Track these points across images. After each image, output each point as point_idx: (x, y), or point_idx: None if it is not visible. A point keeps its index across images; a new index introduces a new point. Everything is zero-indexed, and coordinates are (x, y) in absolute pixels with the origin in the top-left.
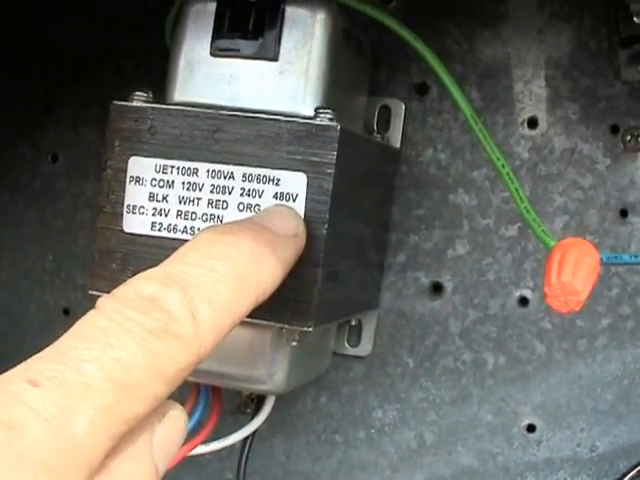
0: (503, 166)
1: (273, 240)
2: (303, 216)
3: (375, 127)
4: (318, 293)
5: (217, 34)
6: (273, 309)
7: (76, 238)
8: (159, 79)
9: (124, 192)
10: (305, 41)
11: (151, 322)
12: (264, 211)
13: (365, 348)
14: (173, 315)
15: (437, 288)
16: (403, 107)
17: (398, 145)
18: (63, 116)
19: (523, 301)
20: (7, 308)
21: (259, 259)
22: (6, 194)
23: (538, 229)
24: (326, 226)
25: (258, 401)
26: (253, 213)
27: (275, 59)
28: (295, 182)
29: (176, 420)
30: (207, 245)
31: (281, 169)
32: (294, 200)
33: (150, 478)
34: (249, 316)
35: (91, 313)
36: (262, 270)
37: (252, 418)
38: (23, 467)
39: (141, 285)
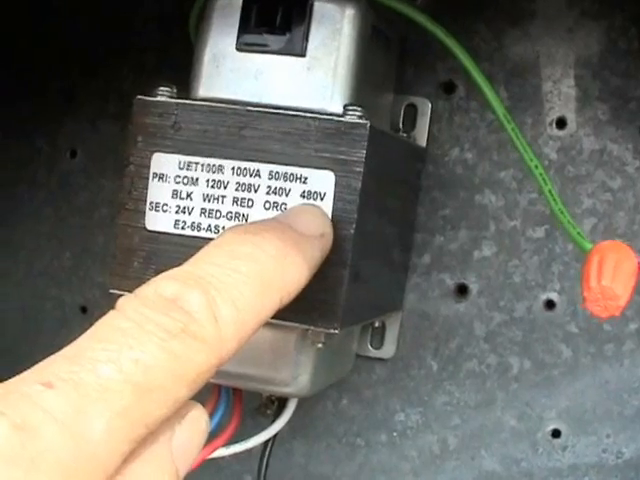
0: (536, 167)
1: (299, 240)
2: (330, 216)
3: (401, 126)
4: (345, 294)
5: (243, 29)
6: (298, 310)
7: (94, 235)
8: (180, 74)
9: (147, 189)
10: (333, 37)
11: (171, 323)
12: (290, 210)
13: (388, 350)
14: (194, 316)
15: (462, 290)
16: (429, 106)
17: (424, 144)
18: (82, 111)
19: (549, 304)
20: (23, 306)
21: (284, 260)
22: (23, 190)
23: (573, 231)
24: (354, 226)
25: (280, 403)
26: (279, 212)
27: (303, 55)
28: (323, 180)
29: (197, 421)
30: (231, 245)
31: (309, 167)
32: (322, 199)
33: None
34: (274, 317)
35: (110, 313)
36: (287, 271)
37: (273, 421)
38: (37, 471)
39: (162, 285)
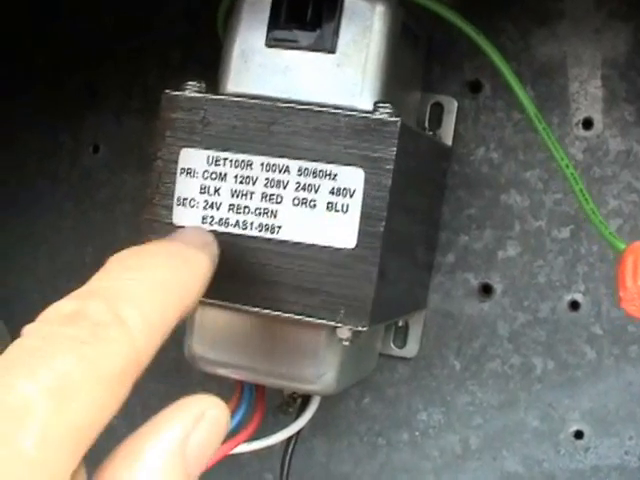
0: (567, 166)
1: (182, 248)
2: (360, 213)
3: (427, 124)
4: (374, 292)
5: (273, 24)
6: (326, 308)
7: (116, 231)
8: (205, 69)
9: (174, 184)
10: (364, 34)
11: (78, 330)
12: (173, 233)
13: (411, 349)
14: (99, 321)
15: (486, 289)
16: (455, 104)
17: (450, 143)
18: (105, 106)
19: (574, 305)
20: (45, 301)
21: (175, 263)
22: (45, 185)
23: (606, 231)
24: (383, 223)
25: (303, 401)
26: (309, 208)
27: (332, 51)
28: (352, 177)
29: (215, 421)
30: (117, 263)
31: (338, 164)
32: (351, 196)
33: None
34: (302, 314)
35: (16, 340)
36: (180, 272)
37: (296, 418)
38: None
39: (61, 305)
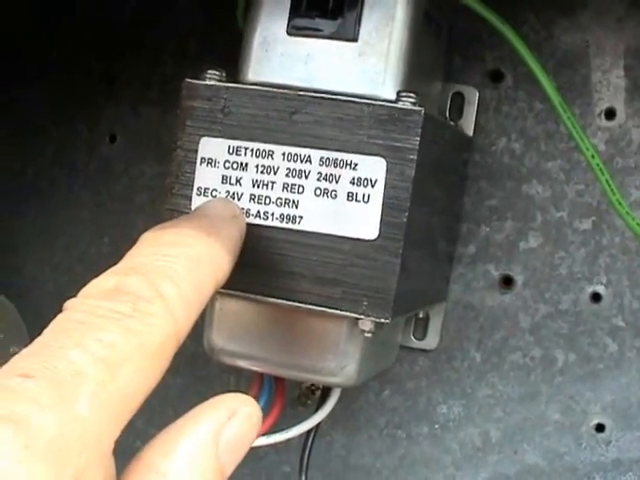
0: (593, 156)
1: (213, 222)
2: (382, 203)
3: (448, 114)
4: (397, 283)
5: (295, 12)
6: (349, 299)
7: (133, 222)
8: (223, 59)
9: (194, 174)
10: (386, 22)
11: (121, 305)
12: (197, 206)
13: (431, 341)
14: (140, 295)
15: (507, 281)
16: (477, 94)
17: (471, 133)
18: (123, 96)
19: (596, 297)
20: (61, 292)
21: (206, 239)
22: (61, 175)
23: (632, 222)
24: (406, 214)
25: (323, 393)
26: (330, 199)
27: (355, 40)
28: (374, 167)
29: (248, 418)
30: (152, 239)
31: (360, 153)
32: (372, 186)
33: (212, 474)
34: (323, 306)
35: (60, 314)
36: (211, 247)
37: (316, 410)
38: (31, 457)
39: (101, 281)
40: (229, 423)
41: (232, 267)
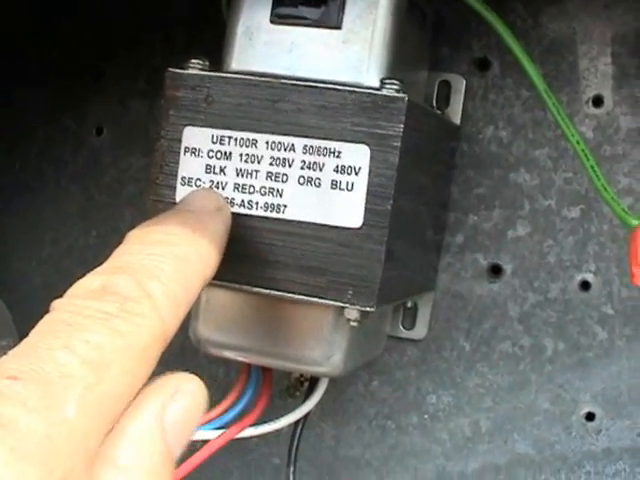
0: (578, 142)
1: (199, 217)
2: (366, 191)
3: (434, 103)
4: (382, 271)
5: (278, 1)
6: (333, 288)
7: (121, 214)
8: (210, 50)
9: (178, 164)
10: (370, 9)
11: (108, 305)
12: (182, 198)
13: (420, 331)
14: (127, 295)
15: (496, 270)
16: (464, 83)
17: (458, 122)
18: (110, 88)
19: (585, 285)
20: (49, 285)
21: (192, 236)
22: (49, 168)
23: (618, 208)
24: (391, 202)
25: (310, 383)
26: (314, 187)
27: (338, 27)
28: (357, 155)
29: (191, 395)
30: (138, 238)
31: (343, 141)
32: (356, 174)
33: (162, 460)
34: (309, 295)
35: (47, 315)
36: (198, 245)
37: (304, 401)
38: (18, 460)
39: (88, 280)
40: (172, 402)
41: (219, 261)
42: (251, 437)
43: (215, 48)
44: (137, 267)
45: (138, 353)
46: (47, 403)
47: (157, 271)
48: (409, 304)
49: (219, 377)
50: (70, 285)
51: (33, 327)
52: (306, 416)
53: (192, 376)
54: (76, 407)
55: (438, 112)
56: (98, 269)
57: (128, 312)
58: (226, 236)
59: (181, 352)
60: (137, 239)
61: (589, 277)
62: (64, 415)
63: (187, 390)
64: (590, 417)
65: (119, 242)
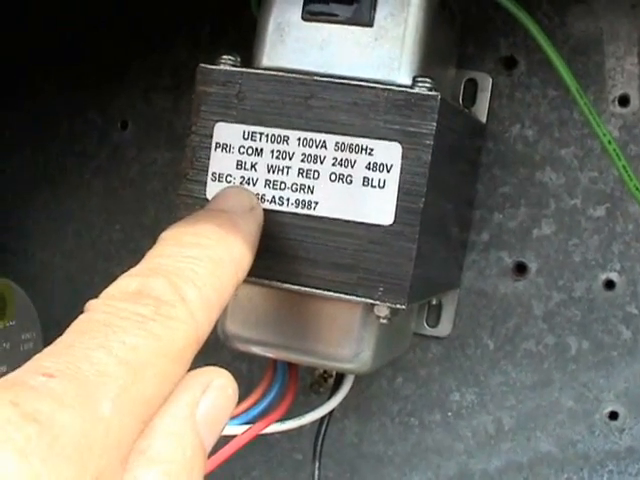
0: (609, 142)
1: (232, 217)
2: (397, 188)
3: (461, 101)
4: (413, 269)
5: None
6: (364, 285)
7: (145, 209)
8: (236, 45)
9: (209, 159)
10: (402, 7)
11: (144, 308)
12: (214, 196)
13: (444, 329)
14: (163, 299)
15: (521, 268)
16: (490, 81)
17: (484, 120)
18: (134, 82)
19: (609, 284)
20: (72, 279)
21: (226, 238)
22: (73, 162)
23: None
24: (423, 199)
25: (336, 380)
26: (345, 184)
27: (370, 25)
28: (389, 152)
29: (222, 389)
30: (173, 239)
31: (375, 138)
32: (388, 171)
33: (195, 453)
34: (339, 292)
35: (82, 315)
36: (232, 247)
37: (330, 397)
38: (55, 456)
39: (124, 282)
40: (204, 397)
41: (252, 262)
42: (276, 433)
43: (240, 43)
44: (172, 270)
45: (172, 356)
46: (83, 401)
47: (192, 274)
48: (434, 301)
49: (243, 373)
50: (95, 281)
51: (56, 320)
52: (331, 413)
53: (222, 370)
54: (112, 406)
55: (465, 110)
56: (133, 270)
57: (163, 315)
58: (258, 236)
59: (205, 347)
60: (171, 240)
61: (614, 276)
62: (100, 413)
63: (218, 384)
64: (613, 416)
65: (143, 236)
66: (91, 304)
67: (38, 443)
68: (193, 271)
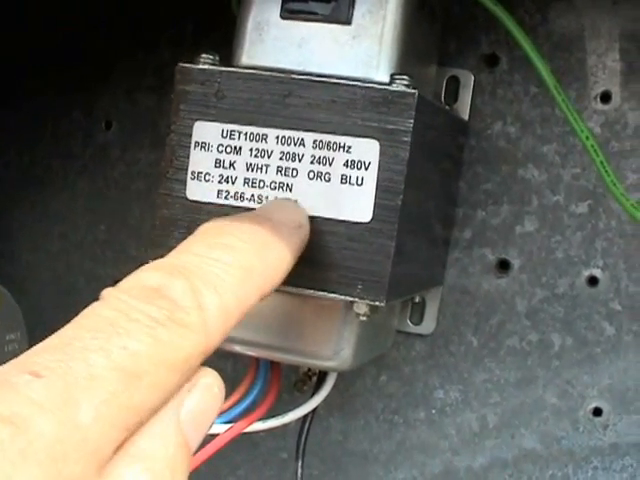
0: (587, 138)
1: (277, 229)
2: (375, 185)
3: (443, 99)
4: (391, 266)
5: None
6: (343, 282)
7: (130, 209)
8: (218, 45)
9: (188, 158)
10: (380, 5)
11: (157, 311)
12: (267, 204)
13: (428, 326)
14: (179, 304)
15: (504, 265)
16: (472, 78)
17: (466, 117)
18: (118, 83)
19: (592, 281)
20: (57, 279)
21: (264, 248)
22: (57, 162)
23: (627, 203)
24: (401, 197)
25: (319, 378)
26: (324, 182)
27: (348, 23)
28: (367, 150)
29: (207, 388)
30: (210, 237)
31: (353, 136)
32: (366, 168)
33: (179, 453)
34: (318, 290)
35: (94, 304)
36: (267, 259)
37: (312, 395)
38: (27, 462)
39: (145, 275)
40: (189, 395)
41: (283, 279)
42: (259, 431)
43: (223, 43)
44: (196, 271)
45: (174, 366)
46: (64, 406)
47: (216, 279)
48: (417, 299)
49: (227, 372)
50: (80, 282)
51: (42, 321)
52: (314, 410)
53: (208, 369)
54: (94, 413)
55: (446, 107)
56: (158, 263)
57: (175, 322)
58: (299, 254)
59: None
60: (202, 238)
61: (597, 273)
62: (79, 420)
63: (204, 383)
64: (597, 412)
65: (127, 237)
66: (105, 293)
67: (11, 446)
68: (218, 277)
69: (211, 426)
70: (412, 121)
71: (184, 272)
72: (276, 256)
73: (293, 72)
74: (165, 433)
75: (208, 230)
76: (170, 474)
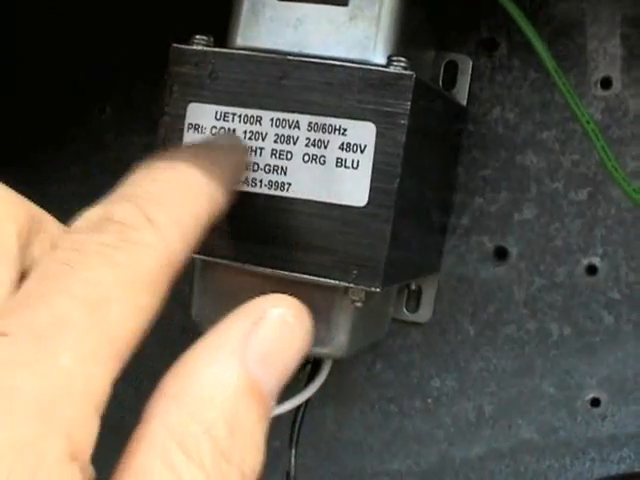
0: (588, 122)
1: (212, 149)
2: (371, 169)
3: (441, 83)
4: (387, 251)
5: None
6: (338, 268)
7: None
8: (214, 26)
9: (182, 140)
10: None
11: (108, 237)
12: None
13: (424, 314)
14: (128, 223)
15: (501, 253)
16: (470, 63)
17: (464, 103)
18: (113, 66)
19: (591, 269)
20: None
21: (201, 165)
22: (50, 147)
23: (628, 188)
24: (397, 180)
25: (313, 367)
26: (319, 165)
27: (345, 4)
28: (363, 132)
29: (280, 319)
30: (148, 165)
31: (349, 118)
32: (362, 151)
33: (239, 389)
34: (313, 275)
35: (49, 252)
36: (206, 176)
37: (307, 384)
38: (13, 421)
39: (89, 212)
40: (255, 329)
41: (227, 201)
42: None
43: (219, 25)
44: (141, 194)
45: (141, 284)
46: (38, 356)
47: (161, 197)
48: (413, 286)
49: None
50: None
51: None
52: (308, 400)
53: (282, 297)
54: (72, 354)
55: (445, 92)
56: (101, 200)
57: (128, 241)
58: (239, 176)
59: (182, 332)
60: (144, 167)
61: (596, 261)
62: (58, 365)
63: (275, 315)
64: (595, 403)
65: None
66: (56, 240)
67: None
68: (162, 194)
69: (293, 366)
70: (409, 104)
71: (127, 198)
72: (220, 169)
73: (288, 54)
74: (227, 378)
75: (144, 163)
76: (227, 429)
